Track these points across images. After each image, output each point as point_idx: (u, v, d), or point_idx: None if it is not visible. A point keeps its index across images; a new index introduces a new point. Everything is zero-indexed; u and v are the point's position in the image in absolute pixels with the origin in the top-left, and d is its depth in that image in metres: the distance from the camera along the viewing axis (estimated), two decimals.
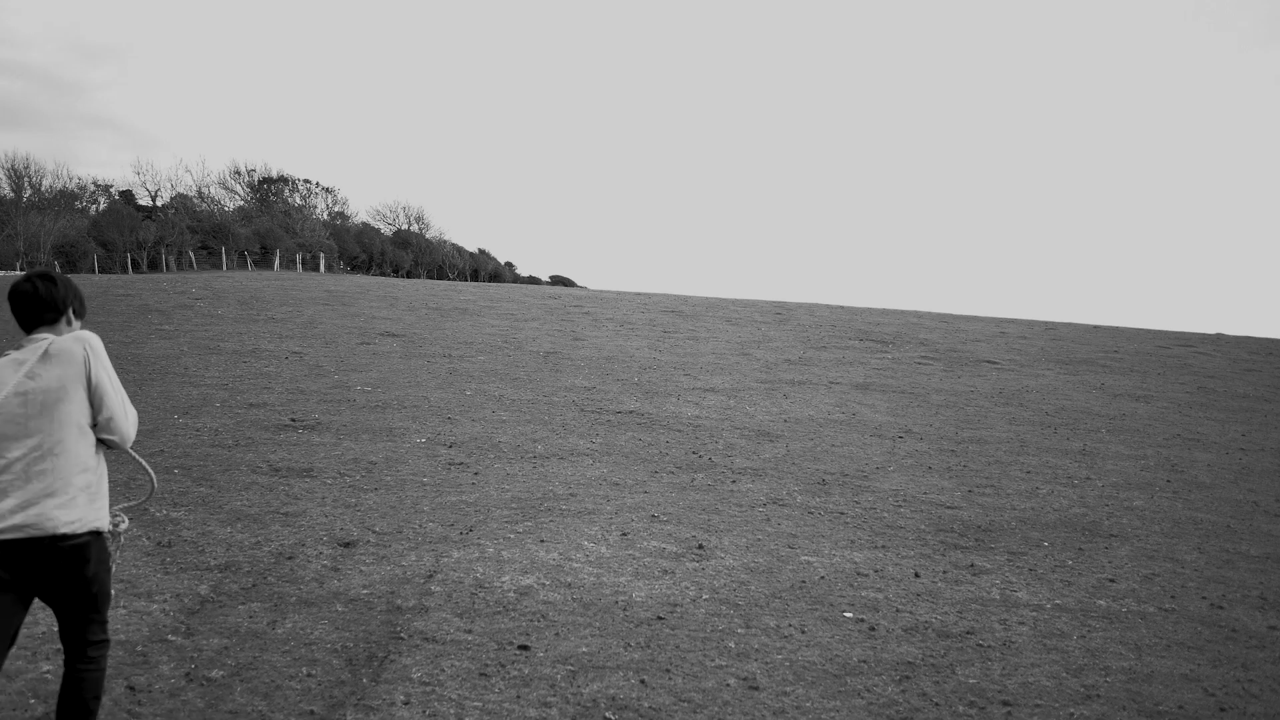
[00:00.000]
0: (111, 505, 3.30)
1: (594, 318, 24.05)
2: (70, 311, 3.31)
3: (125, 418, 3.19)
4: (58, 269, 48.15)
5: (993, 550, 7.47)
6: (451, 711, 4.16)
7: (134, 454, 3.37)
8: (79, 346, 3.13)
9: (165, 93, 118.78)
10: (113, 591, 3.62)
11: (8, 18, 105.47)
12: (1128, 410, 15.55)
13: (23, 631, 4.75)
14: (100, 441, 3.18)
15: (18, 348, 3.12)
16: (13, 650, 3.68)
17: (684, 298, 33.41)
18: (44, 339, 3.12)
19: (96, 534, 3.10)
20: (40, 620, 4.91)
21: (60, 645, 3.32)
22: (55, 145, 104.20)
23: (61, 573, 2.99)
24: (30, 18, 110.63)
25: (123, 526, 3.36)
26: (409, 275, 70.73)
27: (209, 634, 4.85)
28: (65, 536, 2.95)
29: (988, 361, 20.40)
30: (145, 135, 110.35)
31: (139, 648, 4.64)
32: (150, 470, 3.62)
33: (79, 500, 3.03)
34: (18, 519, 2.89)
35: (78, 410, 3.06)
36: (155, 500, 7.01)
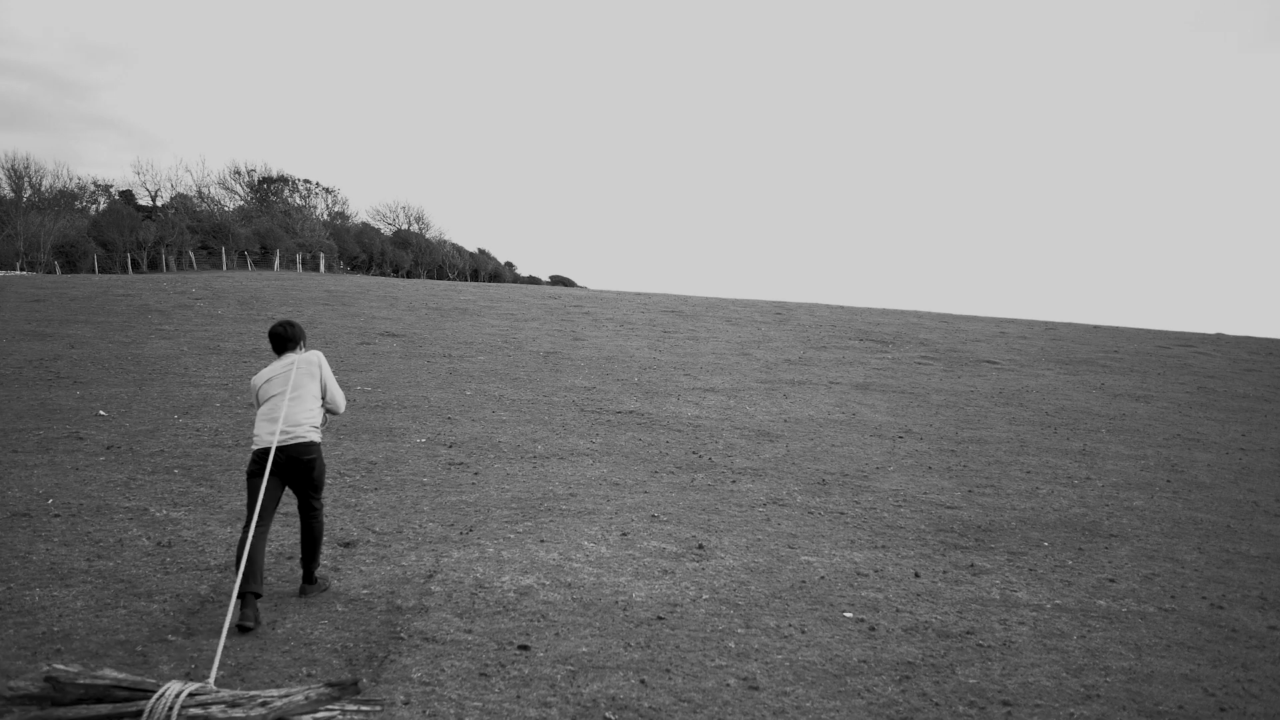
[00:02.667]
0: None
1: (594, 318, 24.06)
2: (301, 343, 5.72)
3: (339, 397, 5.68)
4: (58, 269, 48.13)
5: (993, 550, 7.47)
6: (451, 711, 4.16)
7: (339, 411, 5.70)
8: (315, 359, 5.60)
9: (167, 93, 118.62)
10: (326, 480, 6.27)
11: (13, 19, 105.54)
12: (1128, 410, 15.55)
13: (23, 631, 4.76)
14: (324, 408, 5.62)
15: (278, 359, 5.61)
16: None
17: (684, 298, 33.41)
18: (293, 356, 5.58)
19: (319, 446, 5.47)
20: (40, 621, 4.91)
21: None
22: (59, 146, 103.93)
23: (297, 467, 5.36)
24: (35, 19, 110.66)
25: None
26: (409, 275, 70.70)
27: (209, 634, 4.84)
28: (306, 444, 5.36)
29: (988, 361, 20.41)
30: (147, 136, 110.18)
31: (139, 648, 4.64)
32: (342, 409, 5.77)
33: (312, 429, 5.44)
34: (287, 436, 5.30)
35: (314, 390, 5.52)
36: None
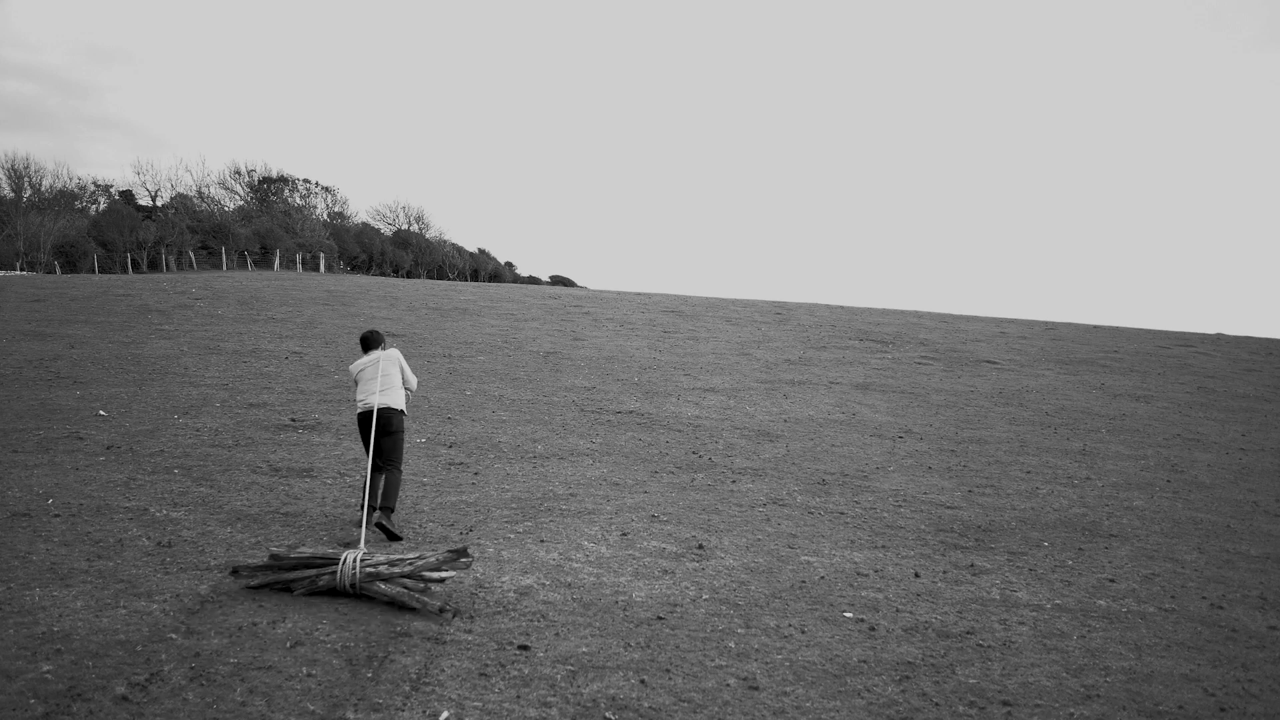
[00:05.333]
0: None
1: (594, 318, 24.06)
2: (383, 344, 7.63)
3: (412, 378, 7.62)
4: (58, 269, 48.13)
5: (993, 550, 7.47)
6: (451, 711, 4.16)
7: (413, 388, 7.66)
8: (395, 355, 7.53)
9: (169, 94, 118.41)
10: (405, 447, 7.82)
11: (20, 22, 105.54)
12: (1128, 410, 15.55)
13: (23, 631, 4.76)
14: (404, 387, 7.51)
15: (366, 355, 7.52)
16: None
17: (684, 298, 33.42)
18: (377, 353, 7.46)
19: (402, 413, 7.35)
20: (40, 621, 4.91)
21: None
22: (65, 148, 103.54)
23: (386, 427, 7.17)
24: (42, 22, 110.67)
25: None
26: (409, 275, 70.68)
27: (209, 634, 4.85)
28: (393, 409, 7.24)
29: (988, 361, 20.41)
30: (151, 136, 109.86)
31: (139, 647, 4.64)
32: (415, 389, 7.81)
33: (398, 400, 7.32)
34: (381, 402, 7.17)
35: (397, 375, 7.41)
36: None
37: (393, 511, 7.01)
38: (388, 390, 7.31)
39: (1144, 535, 8.15)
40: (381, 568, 5.48)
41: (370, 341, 7.66)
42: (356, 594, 5.46)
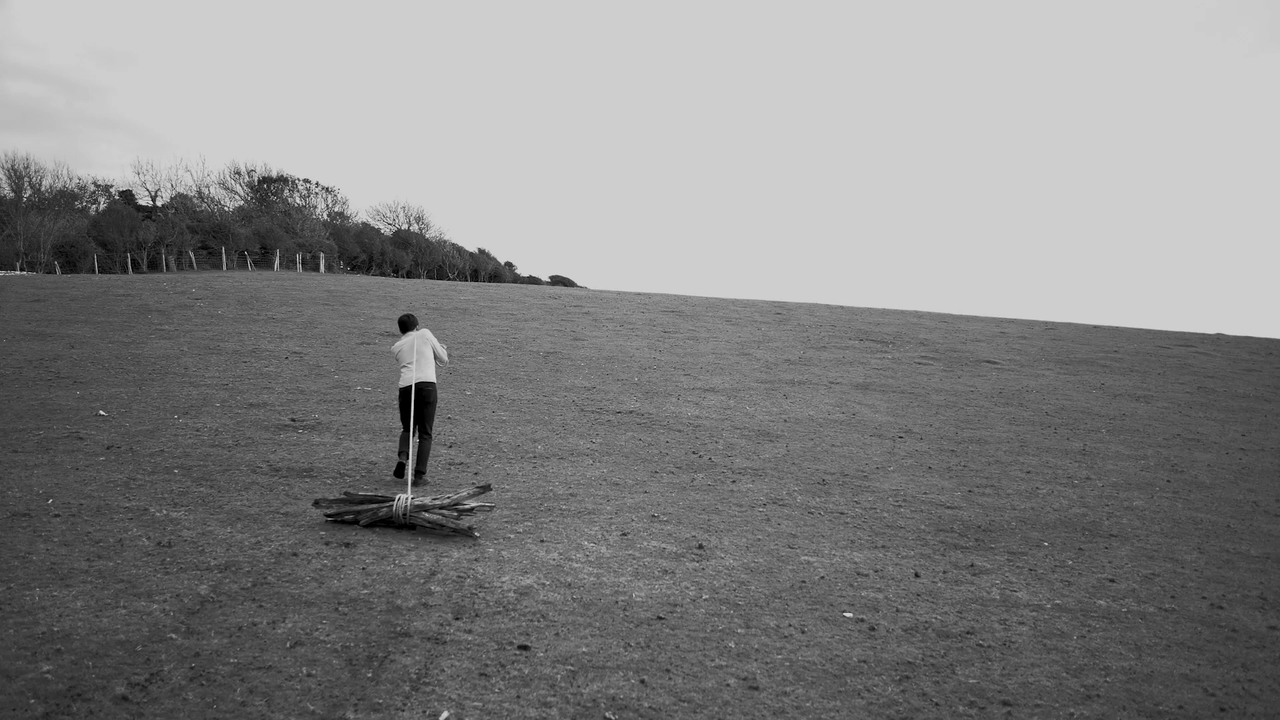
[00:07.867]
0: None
1: (594, 318, 24.05)
2: (418, 324, 9.00)
3: (443, 352, 8.93)
4: (58, 269, 48.12)
5: (993, 550, 7.47)
6: (451, 711, 4.16)
7: (446, 360, 9.05)
8: (428, 335, 8.84)
9: (171, 94, 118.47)
10: (436, 417, 9.88)
11: (28, 24, 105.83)
12: (1128, 410, 15.55)
13: (23, 631, 4.76)
14: (437, 359, 8.95)
15: (404, 336, 8.86)
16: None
17: (684, 298, 33.42)
18: (414, 332, 8.83)
19: (435, 385, 8.72)
20: (40, 621, 4.91)
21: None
22: (69, 148, 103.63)
23: (424, 399, 8.53)
24: (48, 24, 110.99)
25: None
26: (409, 275, 70.70)
27: (209, 633, 4.84)
28: (429, 383, 8.62)
29: (988, 361, 20.41)
30: (152, 136, 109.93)
31: (139, 647, 4.63)
32: (447, 360, 9.15)
33: (432, 374, 8.68)
34: (420, 377, 8.57)
35: (429, 350, 8.74)
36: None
37: (423, 474, 8.36)
38: (424, 366, 8.61)
39: (1144, 535, 8.15)
40: (427, 500, 6.99)
41: (407, 324, 9.00)
42: (404, 524, 6.90)
